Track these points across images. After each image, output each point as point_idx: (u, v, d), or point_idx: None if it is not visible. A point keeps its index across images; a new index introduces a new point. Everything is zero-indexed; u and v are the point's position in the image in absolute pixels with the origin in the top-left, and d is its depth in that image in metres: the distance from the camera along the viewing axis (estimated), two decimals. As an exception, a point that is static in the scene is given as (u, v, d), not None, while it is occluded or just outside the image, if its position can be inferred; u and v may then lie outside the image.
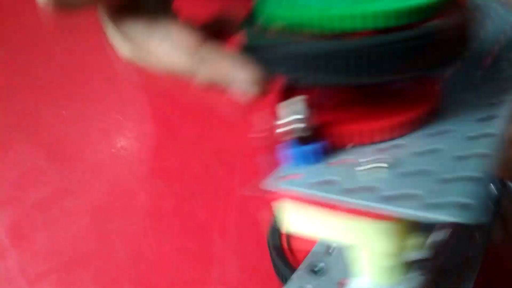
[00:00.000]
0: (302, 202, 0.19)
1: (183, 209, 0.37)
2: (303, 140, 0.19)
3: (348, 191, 0.17)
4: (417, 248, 0.21)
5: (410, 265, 0.21)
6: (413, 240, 0.20)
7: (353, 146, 0.20)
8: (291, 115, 0.19)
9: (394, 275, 0.21)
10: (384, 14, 0.18)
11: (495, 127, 0.20)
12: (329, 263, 0.25)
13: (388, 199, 0.17)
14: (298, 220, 0.21)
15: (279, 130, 0.19)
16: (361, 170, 0.18)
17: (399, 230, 0.19)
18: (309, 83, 0.19)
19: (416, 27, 0.18)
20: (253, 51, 0.20)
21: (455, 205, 0.16)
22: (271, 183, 0.19)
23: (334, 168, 0.19)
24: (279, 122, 0.19)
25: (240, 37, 0.21)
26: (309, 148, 0.19)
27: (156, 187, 0.39)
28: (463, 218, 0.15)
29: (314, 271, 0.25)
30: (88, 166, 0.40)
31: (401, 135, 0.20)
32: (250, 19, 0.21)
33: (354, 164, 0.19)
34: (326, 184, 0.18)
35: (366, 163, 0.18)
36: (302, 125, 0.19)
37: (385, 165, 0.18)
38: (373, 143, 0.20)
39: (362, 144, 0.20)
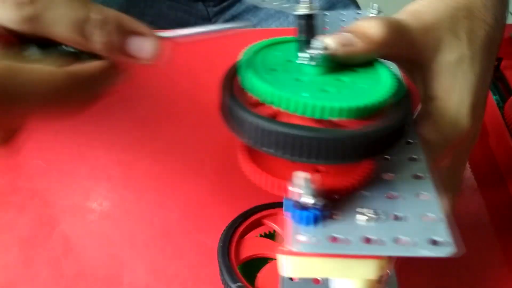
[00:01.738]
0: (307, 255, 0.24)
1: (95, 231, 0.43)
2: (305, 206, 0.23)
3: (354, 244, 0.22)
4: (387, 270, 0.27)
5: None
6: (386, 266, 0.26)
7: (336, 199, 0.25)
8: (299, 189, 0.22)
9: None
10: (348, 110, 0.22)
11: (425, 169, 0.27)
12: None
13: (384, 245, 0.22)
14: (298, 267, 0.25)
15: (292, 197, 0.23)
16: (357, 223, 0.23)
17: (383, 262, 0.25)
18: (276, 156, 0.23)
19: (366, 123, 0.23)
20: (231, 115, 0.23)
21: (433, 243, 0.22)
22: (293, 247, 0.22)
23: (335, 225, 0.23)
24: (292, 191, 0.22)
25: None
26: (310, 213, 0.23)
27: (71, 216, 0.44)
28: (442, 253, 0.22)
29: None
30: (12, 206, 0.44)
31: (362, 188, 0.26)
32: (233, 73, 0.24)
33: (350, 219, 0.23)
34: (336, 242, 0.22)
35: (358, 215, 0.23)
36: (308, 197, 0.22)
37: (373, 215, 0.23)
38: (347, 195, 0.25)
39: (341, 196, 0.25)
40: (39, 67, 0.21)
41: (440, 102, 0.30)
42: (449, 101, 0.29)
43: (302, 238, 0.23)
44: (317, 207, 0.23)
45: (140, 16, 0.71)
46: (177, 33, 0.23)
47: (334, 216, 0.24)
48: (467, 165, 0.47)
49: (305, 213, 0.23)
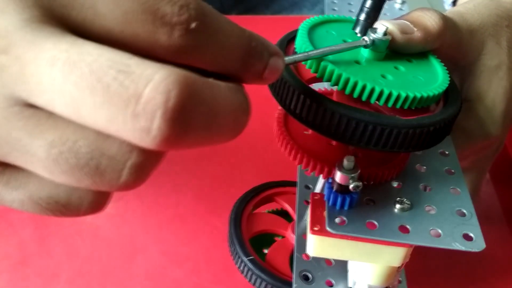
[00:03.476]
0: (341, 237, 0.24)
1: (108, 212, 0.42)
2: (343, 189, 0.23)
3: (391, 232, 0.22)
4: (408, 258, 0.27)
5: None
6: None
7: (367, 185, 0.25)
8: (345, 172, 0.22)
9: (388, 279, 0.27)
10: (408, 99, 0.22)
11: (455, 163, 0.27)
12: (313, 270, 0.30)
13: (418, 236, 0.23)
14: (325, 248, 0.25)
15: (335, 182, 0.23)
16: (393, 211, 0.23)
17: (408, 250, 0.25)
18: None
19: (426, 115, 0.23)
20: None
21: (465, 238, 0.22)
22: (329, 228, 0.22)
23: (369, 210, 0.23)
24: (336, 177, 0.22)
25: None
26: (348, 197, 0.23)
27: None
28: (472, 248, 0.22)
29: (306, 279, 0.30)
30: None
31: (396, 177, 0.26)
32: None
33: (384, 206, 0.24)
34: (373, 227, 0.23)
35: (394, 203, 0.24)
36: (353, 182, 0.22)
37: (408, 204, 0.24)
38: (381, 182, 0.25)
39: (375, 183, 0.25)
40: (214, 82, 0.15)
41: (472, 105, 0.30)
42: (481, 105, 0.30)
43: (337, 220, 0.23)
44: (357, 191, 0.23)
45: None
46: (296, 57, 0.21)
47: (368, 202, 0.24)
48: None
49: (343, 196, 0.23)
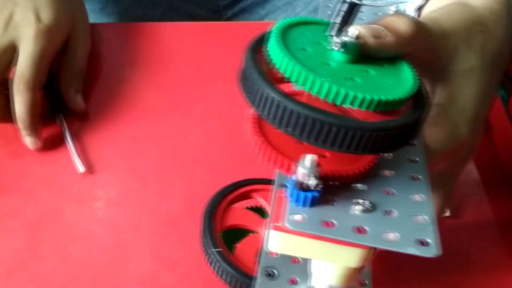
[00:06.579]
0: (298, 234, 0.24)
1: (101, 218, 0.43)
2: (304, 187, 0.24)
3: (347, 232, 0.23)
4: (368, 262, 0.28)
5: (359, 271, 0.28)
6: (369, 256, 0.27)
7: (332, 185, 0.25)
8: (305, 170, 0.23)
9: (349, 280, 0.27)
10: (371, 102, 0.22)
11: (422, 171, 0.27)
12: (278, 267, 0.31)
13: (373, 238, 0.23)
14: (285, 244, 0.26)
15: (297, 179, 0.23)
16: (351, 212, 0.24)
17: (367, 252, 0.25)
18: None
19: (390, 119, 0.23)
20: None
21: (420, 243, 0.23)
22: (287, 224, 0.23)
23: (330, 210, 0.24)
24: (297, 174, 0.23)
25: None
26: (309, 194, 0.24)
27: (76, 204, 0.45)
28: (427, 254, 0.23)
29: (270, 275, 0.30)
30: (21, 192, 0.45)
31: (361, 180, 0.26)
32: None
33: (345, 206, 0.24)
34: (328, 226, 0.23)
35: (353, 205, 0.24)
36: (312, 179, 0.23)
37: (369, 206, 0.24)
38: (345, 183, 0.26)
39: (338, 183, 0.25)
40: None
41: (443, 110, 0.30)
42: (451, 109, 0.30)
43: (296, 217, 0.24)
44: (317, 189, 0.23)
45: (152, 7, 0.70)
46: None
47: (330, 202, 0.25)
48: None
49: (305, 194, 0.23)
